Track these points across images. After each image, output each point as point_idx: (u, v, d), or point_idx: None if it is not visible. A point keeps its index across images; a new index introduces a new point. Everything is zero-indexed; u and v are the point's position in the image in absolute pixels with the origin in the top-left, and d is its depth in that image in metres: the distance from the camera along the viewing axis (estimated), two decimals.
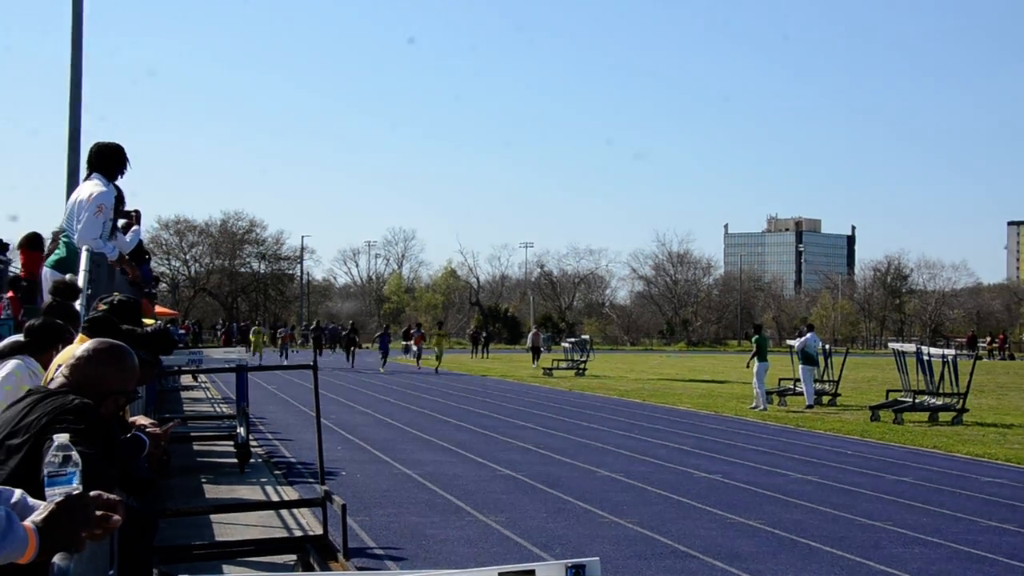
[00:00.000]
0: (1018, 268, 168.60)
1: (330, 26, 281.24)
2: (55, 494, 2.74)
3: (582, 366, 40.36)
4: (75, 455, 2.87)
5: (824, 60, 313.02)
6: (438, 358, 43.07)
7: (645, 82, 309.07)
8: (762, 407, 23.13)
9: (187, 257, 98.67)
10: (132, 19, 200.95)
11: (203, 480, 12.51)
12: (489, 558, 8.16)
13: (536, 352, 47.70)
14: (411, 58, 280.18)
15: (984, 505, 11.23)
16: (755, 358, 24.01)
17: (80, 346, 4.27)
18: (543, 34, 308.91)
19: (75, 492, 2.76)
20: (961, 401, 21.00)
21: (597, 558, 3.63)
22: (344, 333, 49.02)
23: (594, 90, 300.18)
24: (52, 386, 3.94)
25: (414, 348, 44.78)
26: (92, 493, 2.80)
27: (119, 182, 8.57)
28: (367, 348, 59.86)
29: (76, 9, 16.46)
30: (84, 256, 7.85)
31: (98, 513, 2.76)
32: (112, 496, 2.87)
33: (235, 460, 13.26)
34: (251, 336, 50.79)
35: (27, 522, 2.58)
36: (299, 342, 56.69)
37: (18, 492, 2.76)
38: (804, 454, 15.65)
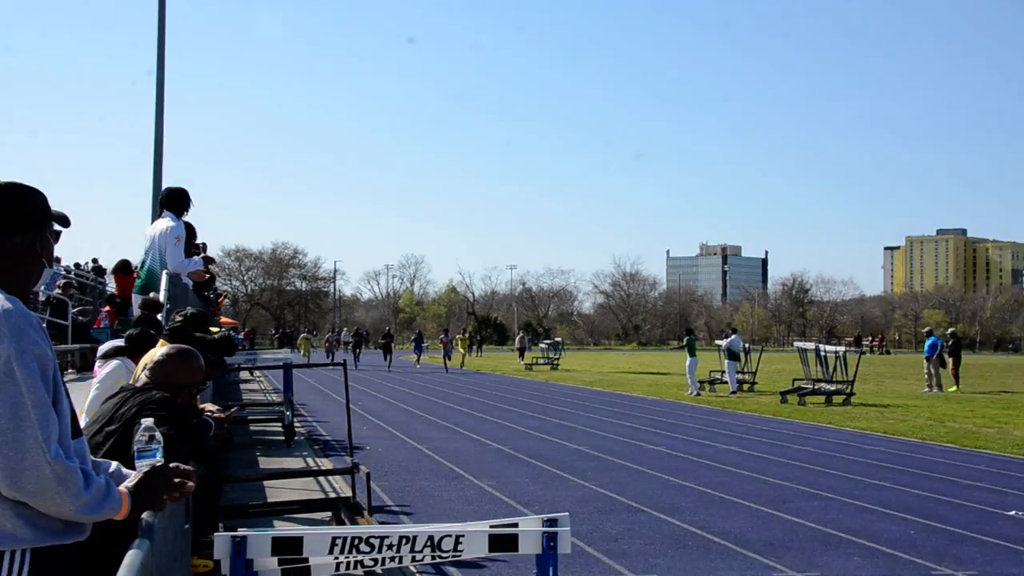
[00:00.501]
0: (892, 283, 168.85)
1: (333, 28, 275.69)
2: (143, 466, 2.76)
3: (556, 362, 40.46)
4: (158, 435, 2.89)
5: (739, 112, 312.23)
6: (463, 358, 41.25)
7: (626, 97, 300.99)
8: (695, 393, 23.20)
9: (244, 278, 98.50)
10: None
11: (257, 453, 12.48)
12: (482, 514, 8.14)
13: (522, 351, 47.54)
14: (411, 58, 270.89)
15: (867, 467, 11.28)
16: (687, 352, 24.22)
17: (158, 350, 4.29)
18: (543, 35, 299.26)
19: (158, 464, 2.78)
20: (850, 387, 21.12)
21: (567, 513, 3.66)
22: (381, 338, 45.92)
23: (589, 94, 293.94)
24: (138, 384, 3.97)
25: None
26: (171, 465, 2.82)
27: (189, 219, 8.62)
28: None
29: (159, 86, 16.42)
30: (164, 279, 7.88)
31: (176, 480, 2.78)
32: (187, 467, 2.89)
33: (282, 438, 13.24)
34: (300, 341, 50.25)
35: (121, 487, 2.60)
36: (332, 345, 55.45)
37: (114, 464, 2.77)
38: (728, 430, 15.69)
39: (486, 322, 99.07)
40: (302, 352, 43.65)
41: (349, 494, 8.22)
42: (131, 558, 2.24)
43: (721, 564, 6.72)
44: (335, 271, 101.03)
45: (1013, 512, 8.63)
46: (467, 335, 50.82)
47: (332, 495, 9.01)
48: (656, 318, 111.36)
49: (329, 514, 7.77)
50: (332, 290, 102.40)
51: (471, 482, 10.21)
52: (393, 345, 42.39)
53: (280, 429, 13.65)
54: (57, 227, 2.67)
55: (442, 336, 42.81)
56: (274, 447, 13.04)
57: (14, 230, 2.52)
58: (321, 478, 10.03)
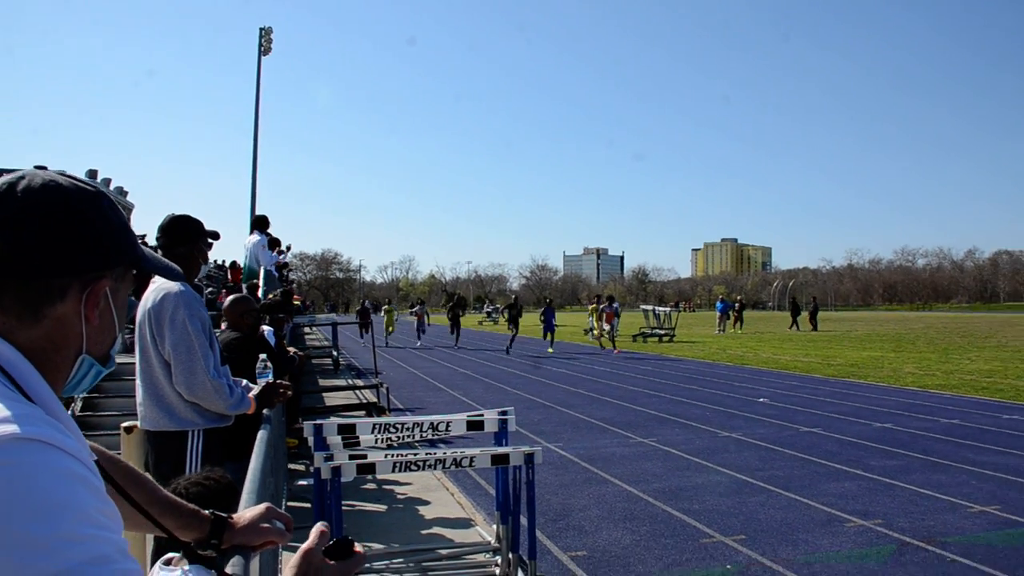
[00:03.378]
0: (696, 270, 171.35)
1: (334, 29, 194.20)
2: (261, 382, 2.81)
3: (497, 320, 40.53)
4: (269, 364, 2.93)
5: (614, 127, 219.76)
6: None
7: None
8: (591, 336, 23.45)
9: (305, 271, 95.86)
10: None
11: (318, 376, 12.33)
12: (457, 410, 8.24)
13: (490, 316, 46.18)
14: (412, 58, 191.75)
15: (682, 377, 11.64)
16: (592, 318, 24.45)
17: (225, 301, 4.11)
18: (543, 35, 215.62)
19: (270, 381, 2.82)
20: (672, 331, 21.71)
21: (512, 407, 3.79)
22: (506, 309, 27.77)
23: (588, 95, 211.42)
24: (228, 327, 3.86)
25: (601, 326, 21.59)
26: (276, 381, 2.87)
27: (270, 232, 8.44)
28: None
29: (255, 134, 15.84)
30: (263, 273, 7.75)
31: (280, 391, 2.84)
32: (286, 383, 2.94)
33: (332, 367, 13.11)
34: (383, 313, 31.83)
35: (250, 394, 2.64)
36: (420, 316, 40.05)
37: (244, 380, 2.81)
38: (602, 358, 15.97)
39: (452, 298, 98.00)
40: (386, 322, 26.20)
41: (375, 400, 8.24)
42: (261, 434, 2.29)
43: (599, 436, 6.96)
44: (360, 267, 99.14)
45: (761, 399, 9.09)
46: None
47: (365, 401, 9.00)
48: (557, 292, 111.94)
49: (363, 412, 7.78)
50: (358, 278, 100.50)
51: (448, 393, 10.27)
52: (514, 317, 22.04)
53: (330, 361, 13.52)
54: (210, 239, 2.68)
55: (604, 306, 20.03)
56: (327, 372, 12.91)
57: (180, 243, 2.54)
58: (357, 391, 10.01)
